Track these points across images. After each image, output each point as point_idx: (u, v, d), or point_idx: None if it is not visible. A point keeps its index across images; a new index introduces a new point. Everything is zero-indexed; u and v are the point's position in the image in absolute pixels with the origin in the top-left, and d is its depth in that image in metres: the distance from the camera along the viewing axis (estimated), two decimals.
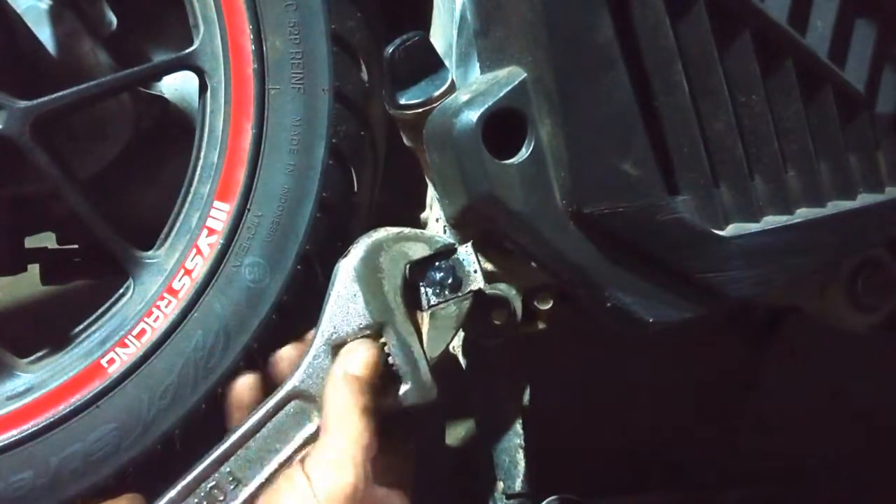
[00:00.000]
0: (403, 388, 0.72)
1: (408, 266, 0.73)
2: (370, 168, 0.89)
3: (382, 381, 0.70)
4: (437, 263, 0.75)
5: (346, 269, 0.72)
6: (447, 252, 0.75)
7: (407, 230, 0.74)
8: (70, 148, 0.89)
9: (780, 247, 0.73)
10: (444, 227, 0.84)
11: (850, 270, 0.86)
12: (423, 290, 0.74)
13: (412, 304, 0.74)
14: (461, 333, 0.88)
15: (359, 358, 0.69)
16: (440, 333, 0.74)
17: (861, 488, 1.31)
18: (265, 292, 0.81)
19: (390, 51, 0.72)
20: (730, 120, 0.71)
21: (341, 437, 0.66)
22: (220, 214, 0.81)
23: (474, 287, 0.75)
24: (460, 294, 0.75)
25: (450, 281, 0.75)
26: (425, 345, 0.73)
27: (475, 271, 0.75)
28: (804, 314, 0.92)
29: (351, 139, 0.85)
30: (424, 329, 0.74)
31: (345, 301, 0.71)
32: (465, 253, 0.75)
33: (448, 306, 0.74)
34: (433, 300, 0.74)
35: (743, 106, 0.72)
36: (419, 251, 0.74)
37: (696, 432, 1.33)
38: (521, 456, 0.86)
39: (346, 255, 0.73)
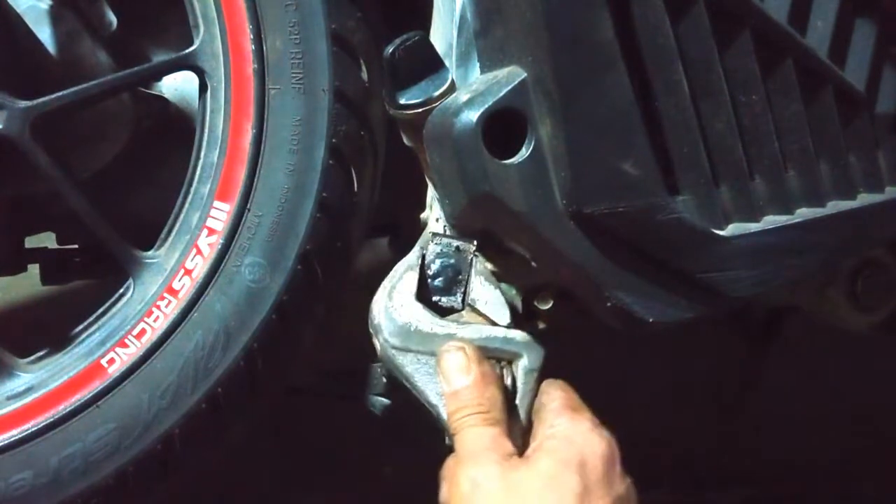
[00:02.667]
0: (522, 363, 0.72)
1: (418, 299, 0.73)
2: (370, 168, 0.89)
3: (503, 398, 0.70)
4: (428, 274, 0.75)
5: (390, 353, 0.72)
6: (424, 257, 0.75)
7: (386, 280, 0.74)
8: (70, 148, 0.89)
9: (780, 247, 0.73)
10: (444, 226, 0.84)
11: (850, 270, 0.86)
12: (442, 302, 0.75)
13: (450, 313, 0.74)
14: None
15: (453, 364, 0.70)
16: (495, 304, 0.74)
17: (861, 488, 1.31)
18: (265, 292, 0.81)
19: (390, 51, 0.72)
20: (730, 120, 0.71)
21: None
22: (220, 214, 0.81)
23: (469, 255, 0.75)
24: (467, 274, 0.75)
25: (450, 275, 0.75)
26: (496, 322, 0.74)
27: (457, 247, 0.75)
28: (804, 314, 0.91)
29: (351, 139, 0.85)
30: (482, 317, 0.74)
31: (420, 373, 0.72)
32: (437, 244, 0.75)
33: (471, 287, 0.74)
34: (457, 301, 0.75)
35: (743, 106, 0.72)
36: (411, 281, 0.74)
37: (696, 432, 1.33)
38: None
39: (378, 348, 0.73)
